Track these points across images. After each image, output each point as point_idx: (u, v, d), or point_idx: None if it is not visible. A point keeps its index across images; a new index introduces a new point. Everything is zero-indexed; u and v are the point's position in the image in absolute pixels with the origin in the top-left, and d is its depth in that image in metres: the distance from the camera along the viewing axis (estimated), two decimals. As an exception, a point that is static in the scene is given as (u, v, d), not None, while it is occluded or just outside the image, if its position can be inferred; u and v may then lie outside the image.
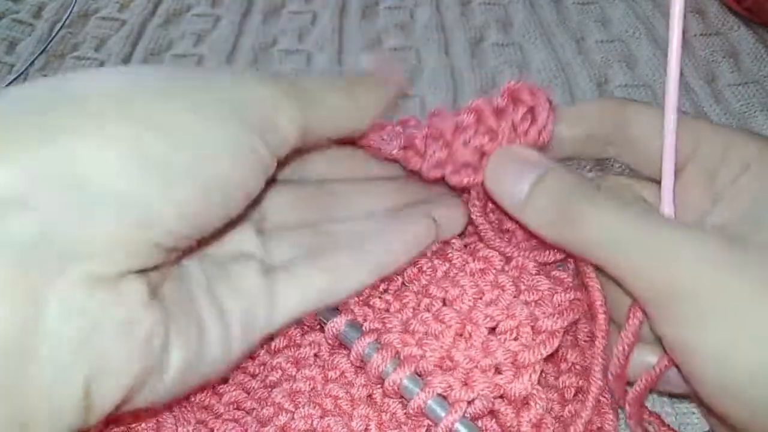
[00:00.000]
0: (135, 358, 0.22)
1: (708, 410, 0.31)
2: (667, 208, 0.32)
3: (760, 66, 0.59)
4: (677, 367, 0.29)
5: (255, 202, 0.28)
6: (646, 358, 0.31)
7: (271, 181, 0.32)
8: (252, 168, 0.25)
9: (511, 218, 0.34)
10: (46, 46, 0.63)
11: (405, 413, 0.32)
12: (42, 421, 0.20)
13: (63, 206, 0.20)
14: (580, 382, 0.33)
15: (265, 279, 0.30)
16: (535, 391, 0.31)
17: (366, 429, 0.32)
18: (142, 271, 0.23)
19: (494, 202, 0.34)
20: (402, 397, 0.32)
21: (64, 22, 0.66)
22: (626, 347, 0.31)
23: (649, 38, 0.63)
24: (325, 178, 0.37)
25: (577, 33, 0.65)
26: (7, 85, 0.59)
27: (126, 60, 0.63)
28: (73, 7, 0.67)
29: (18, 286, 0.19)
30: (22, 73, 0.61)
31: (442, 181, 0.34)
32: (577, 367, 0.34)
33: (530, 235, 0.35)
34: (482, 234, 0.35)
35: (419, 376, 0.32)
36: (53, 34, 0.65)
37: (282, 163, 0.28)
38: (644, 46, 0.62)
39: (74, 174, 0.20)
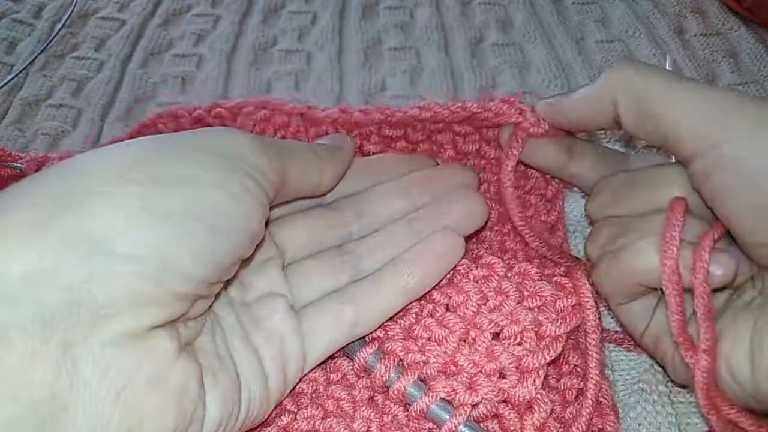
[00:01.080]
0: (170, 407, 0.23)
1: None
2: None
3: (760, 66, 0.60)
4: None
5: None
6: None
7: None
8: (249, 205, 0.26)
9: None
10: (46, 46, 0.63)
11: (407, 415, 0.32)
12: None
13: (87, 271, 0.21)
14: (581, 384, 0.33)
15: (294, 318, 0.31)
16: (539, 396, 0.31)
17: (368, 430, 0.32)
18: (170, 324, 0.24)
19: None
20: (408, 403, 0.32)
21: (65, 22, 0.66)
22: (678, 234, 0.30)
23: (649, 38, 0.63)
24: (334, 198, 0.38)
25: (577, 33, 0.65)
26: (4, 84, 0.59)
27: (126, 60, 0.63)
28: (74, 7, 0.67)
29: (52, 346, 0.20)
30: (21, 72, 0.61)
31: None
32: (578, 369, 0.34)
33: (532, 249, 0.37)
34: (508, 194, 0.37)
35: (423, 381, 0.32)
36: (53, 34, 0.64)
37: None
38: (644, 46, 0.62)
39: (89, 238, 0.21)
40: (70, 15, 0.67)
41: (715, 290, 0.31)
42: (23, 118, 0.57)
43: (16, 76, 0.60)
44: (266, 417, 0.30)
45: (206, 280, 0.25)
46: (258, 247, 0.30)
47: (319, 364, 0.34)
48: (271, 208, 0.30)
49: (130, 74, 0.61)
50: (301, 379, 0.32)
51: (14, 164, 0.42)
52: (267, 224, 0.34)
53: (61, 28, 0.65)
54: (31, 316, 0.20)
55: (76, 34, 0.66)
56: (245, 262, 0.30)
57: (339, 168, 0.35)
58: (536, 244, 0.38)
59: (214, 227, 0.24)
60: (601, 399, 0.32)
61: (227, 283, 0.31)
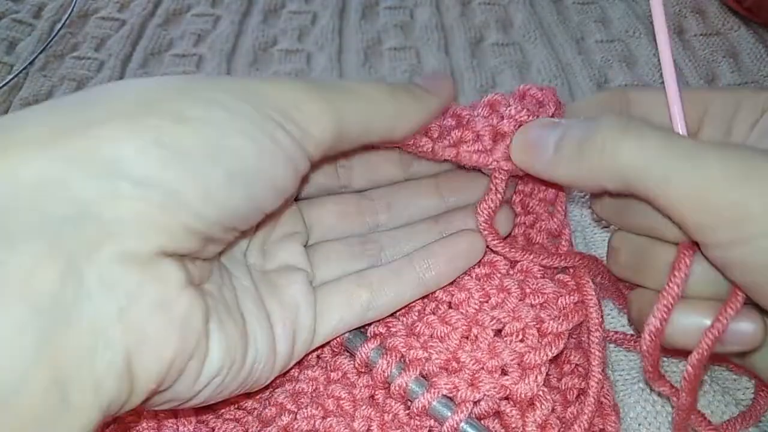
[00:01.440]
0: (172, 333, 0.23)
1: None
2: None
3: (760, 66, 0.60)
4: (745, 294, 0.28)
5: (287, 203, 0.29)
6: (698, 320, 0.29)
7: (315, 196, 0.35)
8: (276, 159, 0.25)
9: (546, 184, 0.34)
10: (46, 46, 0.63)
11: (407, 414, 0.32)
12: (83, 386, 0.21)
13: (95, 189, 0.21)
14: (583, 384, 0.33)
15: (310, 293, 0.31)
16: (541, 393, 0.31)
17: (368, 430, 0.32)
18: (180, 257, 0.24)
19: (527, 176, 0.34)
20: (409, 400, 0.32)
21: (65, 22, 0.66)
22: (671, 297, 0.29)
23: (649, 38, 0.63)
24: (368, 186, 0.38)
25: (577, 33, 0.65)
26: (4, 85, 0.59)
27: (126, 60, 0.63)
28: (74, 7, 0.67)
29: (58, 256, 0.20)
30: (21, 72, 0.61)
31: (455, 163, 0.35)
32: (580, 368, 0.34)
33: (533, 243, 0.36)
34: (489, 240, 0.35)
35: (425, 378, 0.32)
36: (53, 34, 0.64)
37: (319, 164, 0.28)
38: (644, 46, 0.62)
39: (104, 160, 0.21)
40: (70, 15, 0.67)
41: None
42: (23, 118, 0.57)
43: (16, 76, 0.60)
44: (268, 383, 0.30)
45: (219, 223, 0.24)
46: (286, 205, 0.29)
47: (319, 364, 0.34)
48: (343, 155, 0.29)
49: (130, 74, 0.61)
50: (293, 373, 0.33)
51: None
52: (300, 197, 0.35)
53: (61, 28, 0.65)
54: (37, 224, 0.20)
55: (76, 34, 0.66)
56: (269, 219, 0.30)
57: (422, 114, 0.32)
58: (539, 262, 0.36)
59: (232, 173, 0.24)
60: (603, 399, 0.32)
61: (248, 240, 0.31)
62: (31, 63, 0.62)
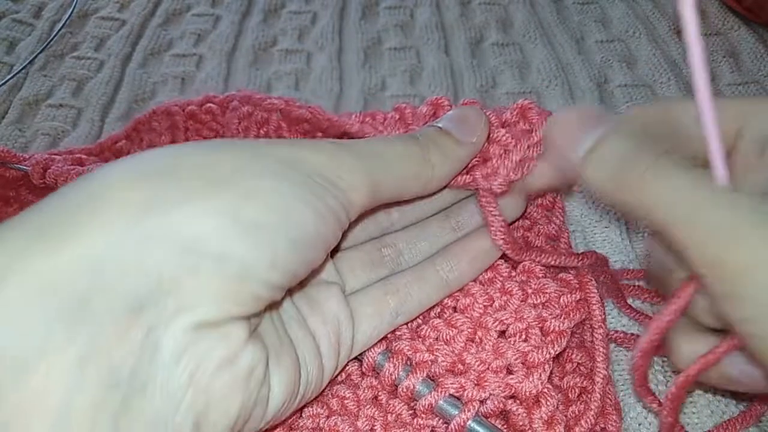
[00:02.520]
0: (237, 391, 0.24)
1: None
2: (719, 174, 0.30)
3: (760, 66, 0.60)
4: (741, 346, 0.28)
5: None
6: (698, 347, 0.30)
7: None
8: (329, 222, 0.27)
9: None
10: (46, 46, 0.63)
11: (411, 414, 0.32)
12: None
13: (176, 265, 0.23)
14: (585, 383, 0.33)
15: (346, 304, 0.32)
16: (546, 389, 0.31)
17: (371, 429, 0.32)
18: (245, 317, 0.25)
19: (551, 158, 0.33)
20: (416, 401, 0.32)
21: (65, 22, 0.66)
22: (667, 320, 0.29)
23: (648, 38, 0.63)
24: None
25: (577, 33, 0.65)
26: (3, 83, 0.59)
27: (126, 60, 0.63)
28: (74, 7, 0.67)
29: (138, 330, 0.22)
30: (21, 72, 0.61)
31: None
32: (582, 367, 0.34)
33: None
34: (512, 255, 0.35)
35: (432, 380, 0.32)
36: (53, 34, 0.64)
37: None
38: (644, 46, 0.62)
39: (184, 239, 0.23)
40: (70, 15, 0.67)
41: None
42: (23, 118, 0.57)
43: (15, 75, 0.60)
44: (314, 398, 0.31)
45: (281, 286, 0.26)
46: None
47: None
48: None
49: (130, 74, 0.61)
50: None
51: (18, 166, 0.42)
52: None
53: (61, 28, 0.65)
54: (122, 302, 0.21)
55: (76, 34, 0.66)
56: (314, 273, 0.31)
57: (453, 169, 0.33)
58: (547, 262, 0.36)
59: (295, 240, 0.26)
60: (605, 398, 0.32)
61: None
62: (31, 63, 0.62)
